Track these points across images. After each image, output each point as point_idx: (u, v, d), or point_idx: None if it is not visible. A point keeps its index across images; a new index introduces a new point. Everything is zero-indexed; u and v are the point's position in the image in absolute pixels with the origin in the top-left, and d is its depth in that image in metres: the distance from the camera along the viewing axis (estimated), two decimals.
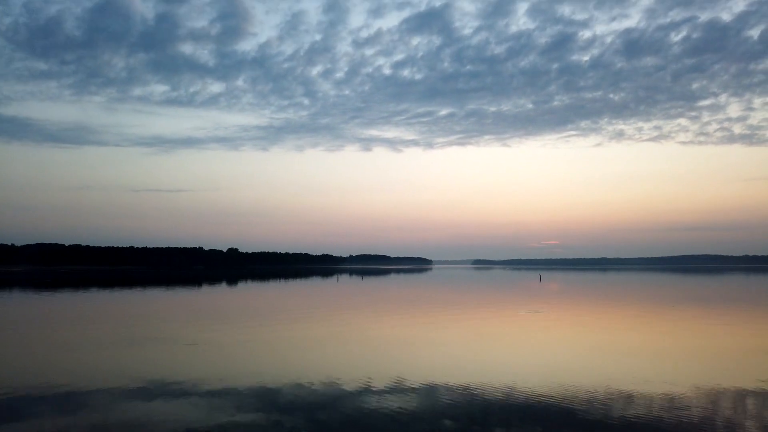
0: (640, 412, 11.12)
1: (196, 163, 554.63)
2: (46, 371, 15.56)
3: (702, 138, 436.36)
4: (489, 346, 20.41)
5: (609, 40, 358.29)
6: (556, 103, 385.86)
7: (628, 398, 12.27)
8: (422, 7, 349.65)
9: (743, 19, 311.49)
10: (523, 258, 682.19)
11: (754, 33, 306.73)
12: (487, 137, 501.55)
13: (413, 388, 13.38)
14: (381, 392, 13.04)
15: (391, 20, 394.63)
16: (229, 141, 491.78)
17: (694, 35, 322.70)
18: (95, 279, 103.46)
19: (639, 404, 11.77)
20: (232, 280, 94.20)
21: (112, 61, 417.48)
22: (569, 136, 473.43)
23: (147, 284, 77.57)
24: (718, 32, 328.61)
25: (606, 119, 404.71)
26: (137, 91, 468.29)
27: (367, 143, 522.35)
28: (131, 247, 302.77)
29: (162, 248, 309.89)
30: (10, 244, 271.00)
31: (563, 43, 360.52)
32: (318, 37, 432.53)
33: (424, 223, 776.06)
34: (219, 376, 14.81)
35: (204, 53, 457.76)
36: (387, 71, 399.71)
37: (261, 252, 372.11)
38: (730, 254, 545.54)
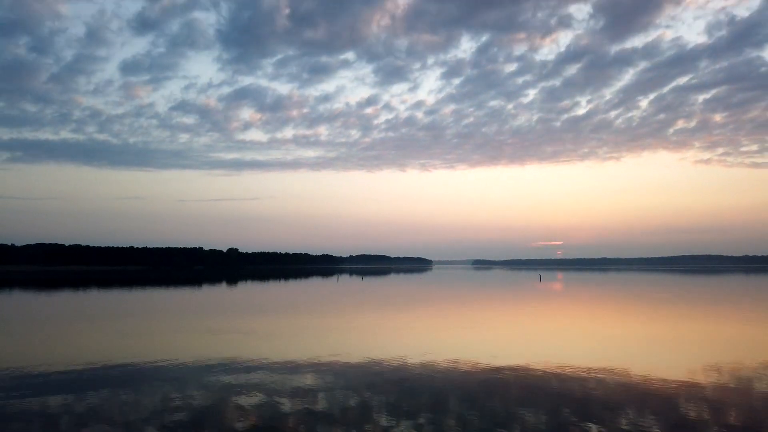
0: (622, 387, 12.01)
1: (254, 181, 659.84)
2: (140, 354, 17.98)
3: (683, 162, 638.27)
4: (497, 335, 22.95)
5: (601, 101, 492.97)
6: (562, 139, 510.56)
7: (619, 378, 13.56)
8: (463, 90, 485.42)
9: (693, 88, 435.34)
10: (523, 258, 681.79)
11: (703, 96, 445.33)
12: (504, 161, 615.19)
13: (440, 363, 16.52)
14: (415, 365, 16.13)
15: (441, 95, 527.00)
16: (288, 165, 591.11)
17: (659, 102, 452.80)
18: (101, 279, 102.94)
19: (625, 381, 12.93)
20: (235, 281, 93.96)
21: (236, 120, 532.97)
22: (571, 159, 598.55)
23: (156, 284, 77.16)
24: (676, 99, 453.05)
25: (604, 149, 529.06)
26: (241, 136, 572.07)
27: (402, 166, 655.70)
28: (131, 247, 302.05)
29: (162, 248, 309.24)
30: (10, 244, 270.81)
31: (566, 107, 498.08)
32: (390, 103, 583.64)
33: (424, 223, 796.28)
34: (277, 355, 17.76)
35: (309, 113, 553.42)
36: (428, 121, 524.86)
37: (261, 252, 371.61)
38: (730, 254, 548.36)
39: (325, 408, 11.35)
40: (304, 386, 13.29)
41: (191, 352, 18.20)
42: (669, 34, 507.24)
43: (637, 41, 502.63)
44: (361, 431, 9.87)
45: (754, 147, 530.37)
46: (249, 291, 60.97)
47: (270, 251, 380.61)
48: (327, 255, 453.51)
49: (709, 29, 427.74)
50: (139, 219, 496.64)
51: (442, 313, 32.82)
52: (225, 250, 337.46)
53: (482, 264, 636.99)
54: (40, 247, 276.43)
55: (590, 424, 10.27)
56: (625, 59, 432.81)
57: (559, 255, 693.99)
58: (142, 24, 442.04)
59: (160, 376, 14.55)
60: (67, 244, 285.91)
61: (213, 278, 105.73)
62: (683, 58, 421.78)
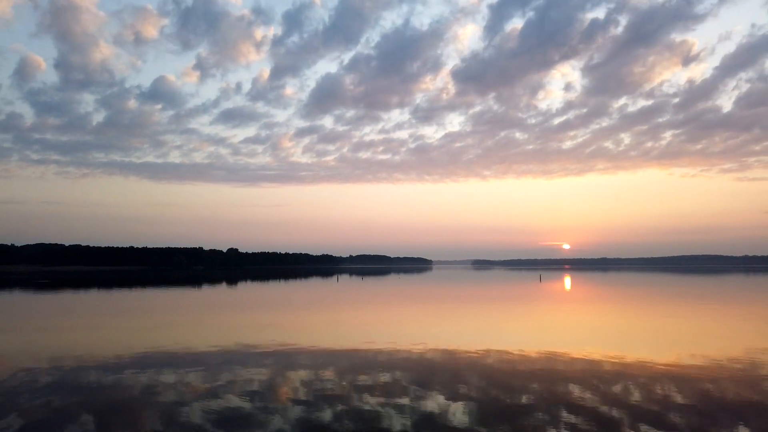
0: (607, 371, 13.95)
1: (291, 192, 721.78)
2: (190, 343, 20.32)
3: (672, 176, 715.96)
4: (505, 327, 24.87)
5: (594, 135, 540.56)
6: (566, 159, 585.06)
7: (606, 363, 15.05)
8: (483, 127, 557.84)
9: (665, 126, 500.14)
10: (522, 258, 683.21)
11: (674, 131, 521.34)
12: (513, 175, 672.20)
13: (456, 348, 18.95)
14: (432, 350, 18.84)
15: (464, 130, 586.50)
16: (322, 178, 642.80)
17: (640, 136, 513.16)
18: (103, 280, 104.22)
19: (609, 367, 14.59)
20: (235, 281, 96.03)
21: (295, 148, 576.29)
22: (573, 174, 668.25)
23: (160, 285, 78.96)
24: (653, 134, 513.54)
25: (601, 167, 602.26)
26: (293, 159, 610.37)
27: (423, 180, 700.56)
28: (131, 247, 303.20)
29: (162, 248, 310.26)
30: (10, 244, 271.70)
31: (567, 137, 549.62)
32: (422, 136, 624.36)
33: (424, 223, 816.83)
34: (311, 343, 20.18)
35: (355, 142, 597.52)
36: (452, 147, 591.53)
37: (261, 252, 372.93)
38: (730, 254, 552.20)
39: (366, 382, 13.65)
40: (344, 367, 15.64)
41: (234, 342, 20.46)
42: (644, 97, 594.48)
43: (618, 102, 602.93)
44: (398, 397, 12.10)
45: (734, 165, 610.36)
46: (254, 291, 62.56)
47: (270, 251, 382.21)
48: (327, 255, 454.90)
49: (676, 92, 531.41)
50: (165, 223, 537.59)
51: (448, 309, 34.96)
52: (225, 250, 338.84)
53: (482, 264, 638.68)
54: (40, 247, 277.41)
55: (587, 394, 12.48)
56: (609, 111, 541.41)
57: (558, 255, 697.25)
58: (258, 94, 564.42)
59: (220, 359, 16.83)
60: (66, 245, 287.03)
61: (213, 278, 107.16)
62: (654, 110, 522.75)
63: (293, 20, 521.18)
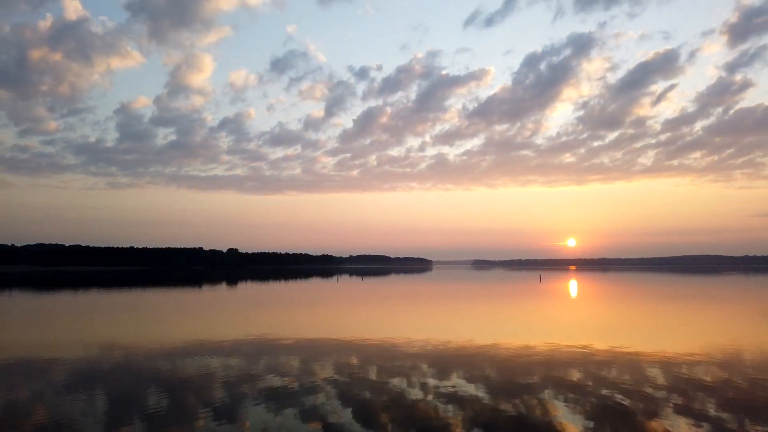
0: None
1: (315, 199, 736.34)
2: (225, 334, 22.60)
3: (663, 185, 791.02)
4: (500, 322, 25.90)
5: (590, 153, 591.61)
6: (567, 171, 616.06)
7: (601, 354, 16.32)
8: (496, 147, 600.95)
9: (647, 147, 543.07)
10: (523, 258, 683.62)
11: (656, 150, 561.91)
12: (518, 183, 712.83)
13: (472, 341, 20.45)
14: (442, 341, 19.61)
15: (479, 149, 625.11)
16: (344, 188, 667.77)
17: (630, 154, 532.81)
18: (107, 280, 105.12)
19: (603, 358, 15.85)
20: (235, 281, 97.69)
21: (327, 163, 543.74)
22: (574, 183, 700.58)
23: (165, 285, 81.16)
24: (638, 152, 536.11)
25: (600, 176, 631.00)
26: (323, 171, 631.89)
27: (437, 188, 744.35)
28: (131, 248, 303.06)
29: (162, 248, 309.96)
30: (10, 244, 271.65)
31: (567, 156, 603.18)
32: (441, 152, 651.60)
33: (426, 226, 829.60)
34: (335, 335, 22.54)
35: (382, 159, 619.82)
36: (468, 162, 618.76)
37: (261, 252, 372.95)
38: (728, 255, 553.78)
39: (390, 367, 15.32)
40: (368, 354, 17.58)
41: (260, 334, 22.45)
42: (631, 128, 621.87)
43: (608, 130, 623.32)
44: (418, 375, 13.77)
45: (720, 177, 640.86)
46: (257, 291, 63.34)
47: (270, 251, 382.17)
48: (327, 255, 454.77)
49: (657, 123, 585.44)
50: (173, 225, 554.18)
51: (454, 307, 36.29)
52: (225, 251, 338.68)
53: (482, 264, 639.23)
54: (40, 247, 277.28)
55: (582, 376, 14.03)
56: (601, 136, 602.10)
57: (558, 256, 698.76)
58: (310, 124, 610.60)
59: (253, 348, 18.77)
60: (66, 245, 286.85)
61: (213, 278, 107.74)
62: (640, 135, 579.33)
63: (362, 75, 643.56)
